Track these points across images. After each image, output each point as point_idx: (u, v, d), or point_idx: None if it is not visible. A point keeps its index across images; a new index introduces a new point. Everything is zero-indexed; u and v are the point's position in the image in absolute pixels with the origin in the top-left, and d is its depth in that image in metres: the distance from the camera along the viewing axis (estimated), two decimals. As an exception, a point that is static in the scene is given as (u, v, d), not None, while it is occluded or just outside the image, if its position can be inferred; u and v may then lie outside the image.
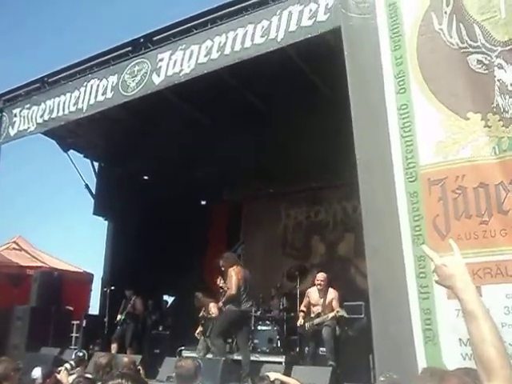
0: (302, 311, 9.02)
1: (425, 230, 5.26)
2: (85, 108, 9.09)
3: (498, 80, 5.28)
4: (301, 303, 9.37)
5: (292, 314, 10.00)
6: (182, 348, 9.95)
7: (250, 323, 9.65)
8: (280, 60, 8.62)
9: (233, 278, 8.50)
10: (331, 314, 8.48)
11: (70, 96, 9.32)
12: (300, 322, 8.89)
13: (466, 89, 5.48)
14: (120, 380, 2.69)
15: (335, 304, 8.61)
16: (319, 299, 8.80)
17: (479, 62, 5.40)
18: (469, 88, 5.47)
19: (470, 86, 5.46)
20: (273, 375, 4.95)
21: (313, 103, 10.02)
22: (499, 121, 5.18)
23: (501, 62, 5.29)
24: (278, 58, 8.37)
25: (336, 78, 6.61)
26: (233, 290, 8.42)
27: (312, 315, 8.79)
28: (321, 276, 9.00)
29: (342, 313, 8.54)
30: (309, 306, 8.95)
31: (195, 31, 8.31)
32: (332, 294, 8.77)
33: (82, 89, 9.20)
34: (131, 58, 8.95)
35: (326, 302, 8.69)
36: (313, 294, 8.97)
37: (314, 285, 9.00)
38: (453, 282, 1.94)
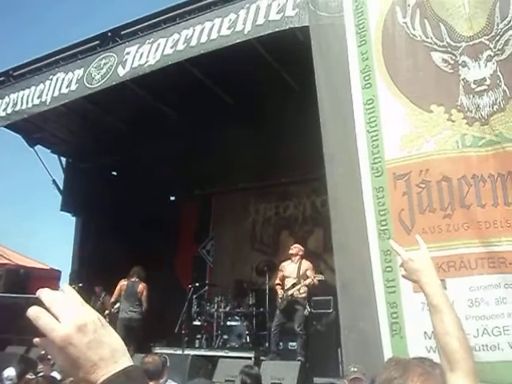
0: (278, 284, 8.84)
1: (391, 225, 5.32)
2: (48, 101, 8.96)
3: (463, 79, 5.37)
4: (270, 298, 9.36)
5: (261, 310, 10.00)
6: (152, 344, 9.86)
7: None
8: (250, 56, 8.62)
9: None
10: (308, 280, 8.34)
11: (35, 89, 9.19)
12: (280, 293, 8.67)
13: (430, 83, 5.55)
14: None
15: (310, 273, 8.46)
16: (293, 271, 8.64)
17: (445, 61, 5.47)
18: (433, 83, 5.54)
19: (434, 79, 5.52)
20: None
21: (282, 99, 10.01)
22: (463, 119, 5.27)
23: (465, 59, 5.37)
24: (248, 53, 8.37)
25: (306, 74, 6.62)
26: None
27: (286, 287, 8.60)
28: (294, 247, 8.94)
29: (320, 277, 8.42)
30: (283, 279, 8.77)
31: (164, 26, 8.27)
32: (306, 264, 8.64)
33: (48, 82, 9.08)
34: (99, 51, 8.88)
35: (301, 272, 8.53)
36: (286, 266, 8.83)
37: (288, 259, 8.92)
38: (419, 277, 1.97)
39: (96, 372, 0.90)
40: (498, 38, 5.32)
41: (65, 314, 0.91)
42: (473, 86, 5.31)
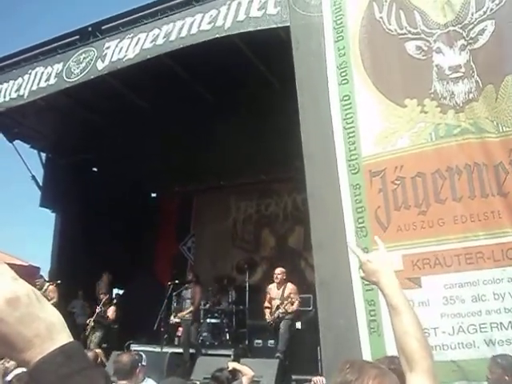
0: (267, 307, 9.07)
1: (368, 223, 5.31)
2: (26, 94, 8.87)
3: (436, 65, 5.35)
4: (250, 296, 9.38)
5: (241, 307, 9.99)
6: (131, 342, 9.79)
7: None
8: (231, 53, 8.59)
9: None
10: (293, 307, 8.57)
11: (13, 83, 9.09)
12: (268, 317, 8.93)
13: (403, 75, 5.55)
14: None
15: (294, 296, 8.66)
16: (277, 293, 8.88)
17: (418, 48, 5.47)
18: (406, 74, 5.54)
19: (407, 71, 5.52)
20: (231, 364, 5.55)
21: (264, 97, 9.99)
22: (437, 107, 5.25)
23: (439, 45, 5.37)
24: (230, 50, 8.35)
25: (287, 72, 6.60)
26: None
27: (272, 309, 8.84)
28: (278, 270, 9.09)
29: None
30: (270, 301, 9.01)
31: (145, 21, 8.23)
32: (290, 287, 8.84)
33: (26, 76, 8.99)
34: (79, 46, 8.81)
35: (285, 295, 8.74)
36: (272, 289, 9.05)
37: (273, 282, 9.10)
38: (377, 278, 1.95)
39: (30, 350, 0.81)
40: (471, 26, 5.32)
41: None
42: (447, 72, 5.29)
